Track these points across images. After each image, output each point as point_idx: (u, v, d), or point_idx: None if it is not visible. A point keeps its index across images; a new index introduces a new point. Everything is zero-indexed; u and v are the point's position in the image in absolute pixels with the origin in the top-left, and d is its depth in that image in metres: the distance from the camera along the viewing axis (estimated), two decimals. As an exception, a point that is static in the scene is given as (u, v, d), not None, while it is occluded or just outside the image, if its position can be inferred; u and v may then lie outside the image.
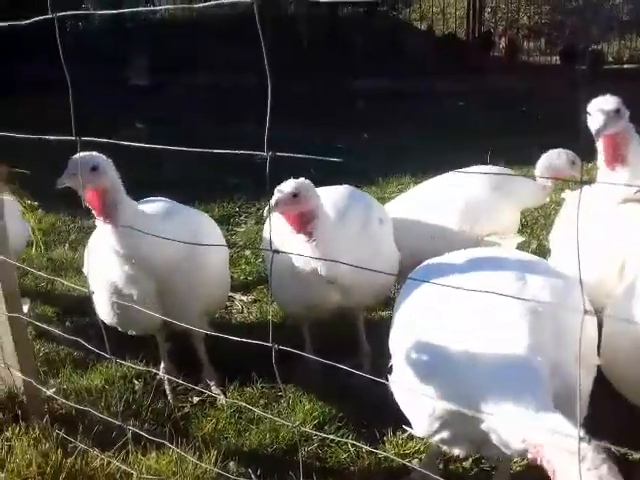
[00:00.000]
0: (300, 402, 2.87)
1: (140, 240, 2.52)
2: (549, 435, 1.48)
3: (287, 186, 2.56)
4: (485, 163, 4.42)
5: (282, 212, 2.59)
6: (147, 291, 2.75)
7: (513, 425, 1.57)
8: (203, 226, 3.07)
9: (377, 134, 8.29)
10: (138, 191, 2.89)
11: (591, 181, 2.76)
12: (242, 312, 3.89)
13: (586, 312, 1.30)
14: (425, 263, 2.28)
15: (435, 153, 7.22)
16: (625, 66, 13.74)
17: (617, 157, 2.59)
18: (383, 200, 4.42)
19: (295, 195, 2.55)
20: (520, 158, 5.95)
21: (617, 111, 2.52)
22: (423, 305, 1.98)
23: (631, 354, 2.00)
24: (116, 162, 2.67)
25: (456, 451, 2.00)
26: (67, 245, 4.80)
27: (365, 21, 13.57)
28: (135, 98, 9.50)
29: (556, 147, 3.38)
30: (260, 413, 2.65)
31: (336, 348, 3.05)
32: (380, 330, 2.45)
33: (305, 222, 2.61)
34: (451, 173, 3.53)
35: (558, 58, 15.23)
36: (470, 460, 2.50)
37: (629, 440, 1.46)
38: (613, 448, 1.37)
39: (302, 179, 2.64)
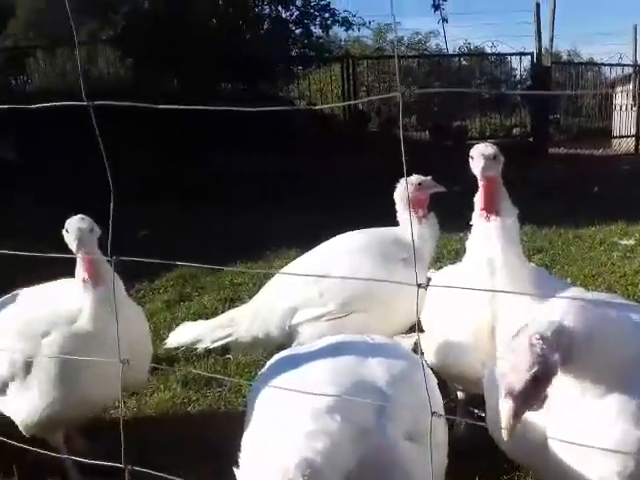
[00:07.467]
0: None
1: None
2: None
3: None
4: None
5: None
6: None
7: None
8: None
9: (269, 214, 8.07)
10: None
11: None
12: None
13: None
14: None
15: (325, 228, 7.06)
16: (488, 140, 14.83)
17: (492, 204, 2.68)
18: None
19: None
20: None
21: (494, 157, 2.67)
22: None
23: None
24: None
25: None
26: None
27: (246, 98, 13.53)
28: None
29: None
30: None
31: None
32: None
33: None
34: None
35: (428, 133, 16.29)
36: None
37: None
38: None
39: None
